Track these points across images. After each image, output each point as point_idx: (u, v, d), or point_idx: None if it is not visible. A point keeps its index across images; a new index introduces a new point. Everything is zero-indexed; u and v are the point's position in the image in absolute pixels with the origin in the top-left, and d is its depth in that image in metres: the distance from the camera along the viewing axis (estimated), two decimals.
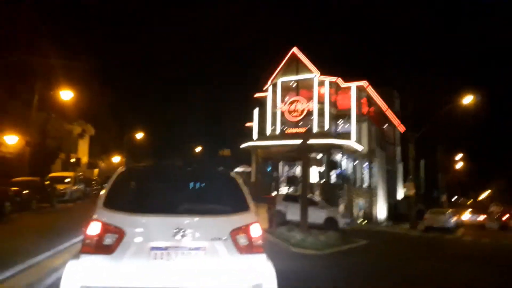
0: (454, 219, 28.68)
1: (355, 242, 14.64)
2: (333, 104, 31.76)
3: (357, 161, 32.78)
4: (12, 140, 24.80)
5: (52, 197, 20.06)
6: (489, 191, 67.75)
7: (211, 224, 3.81)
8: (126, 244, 3.54)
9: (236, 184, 4.29)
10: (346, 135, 30.81)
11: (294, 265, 9.15)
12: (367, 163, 33.96)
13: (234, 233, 3.75)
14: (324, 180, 29.33)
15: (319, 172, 30.06)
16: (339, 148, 29.90)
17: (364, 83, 31.79)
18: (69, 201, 22.52)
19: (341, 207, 26.78)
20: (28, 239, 10.08)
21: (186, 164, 4.64)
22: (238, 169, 37.65)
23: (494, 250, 17.98)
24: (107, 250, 3.52)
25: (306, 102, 31.15)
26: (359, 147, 31.27)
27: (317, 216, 18.65)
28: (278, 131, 32.20)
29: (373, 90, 33.39)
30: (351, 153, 31.56)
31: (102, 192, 4.06)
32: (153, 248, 3.56)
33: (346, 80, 31.65)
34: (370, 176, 34.31)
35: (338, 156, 30.42)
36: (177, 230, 3.60)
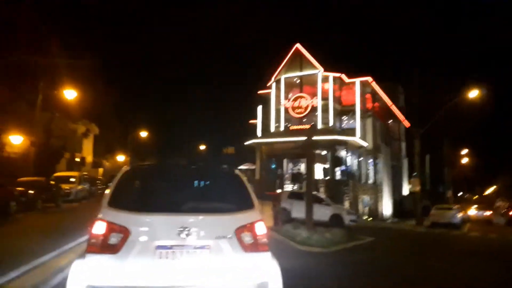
0: (460, 215, 28.54)
1: (360, 239, 14.58)
2: (337, 100, 31.66)
3: (362, 157, 32.67)
4: (17, 140, 24.91)
5: (57, 197, 20.12)
6: (495, 186, 67.41)
7: (216, 222, 3.80)
8: (131, 243, 3.54)
9: (241, 182, 4.28)
10: (350, 131, 30.70)
11: (300, 263, 9.11)
12: (372, 159, 33.84)
13: (239, 231, 3.74)
14: (328, 177, 29.25)
15: (324, 169, 29.97)
16: (344, 144, 29.81)
17: (368, 78, 31.66)
18: (74, 200, 22.60)
19: (346, 204, 26.75)
20: (33, 239, 10.09)
21: (190, 162, 4.63)
22: (242, 167, 37.67)
23: (501, 246, 17.86)
24: (113, 249, 3.52)
25: (310, 98, 31.04)
26: (364, 143, 31.16)
27: (322, 213, 18.65)
28: (282, 128, 32.12)
29: (377, 86, 33.27)
30: (356, 149, 31.47)
31: (107, 191, 4.06)
32: (158, 247, 3.56)
33: (349, 76, 31.54)
34: (375, 172, 34.21)
35: (342, 153, 30.32)
36: (182, 228, 3.59)
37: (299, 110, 31.39)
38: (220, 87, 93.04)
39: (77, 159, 35.80)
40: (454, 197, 51.73)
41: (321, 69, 31.06)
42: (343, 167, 30.39)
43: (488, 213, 35.10)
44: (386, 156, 35.96)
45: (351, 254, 11.56)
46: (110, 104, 39.01)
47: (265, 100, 34.57)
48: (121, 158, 45.14)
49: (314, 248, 11.53)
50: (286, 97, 32.36)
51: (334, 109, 30.93)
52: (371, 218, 29.92)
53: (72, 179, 24.01)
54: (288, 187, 29.89)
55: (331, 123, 30.62)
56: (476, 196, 71.78)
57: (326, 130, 29.55)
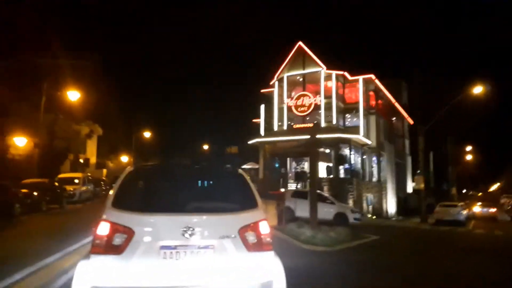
0: (464, 212, 28.43)
1: (365, 237, 14.55)
2: (340, 97, 31.60)
3: (366, 155, 32.61)
4: (21, 142, 24.99)
5: (61, 198, 20.21)
6: (499, 183, 67.22)
7: (220, 222, 3.79)
8: (135, 243, 3.54)
9: (244, 181, 4.28)
10: (354, 129, 30.65)
11: (304, 262, 9.09)
12: (375, 157, 33.77)
13: (243, 230, 3.74)
14: (332, 175, 29.20)
15: (328, 167, 29.93)
16: (347, 142, 29.76)
17: (371, 75, 31.59)
18: (78, 201, 22.66)
19: (351, 202, 26.70)
20: (37, 240, 10.12)
21: (193, 162, 4.61)
22: (245, 166, 37.68)
23: (506, 243, 17.78)
24: (117, 250, 3.52)
25: (313, 97, 30.99)
26: (368, 141, 31.09)
27: (326, 212, 18.59)
28: (285, 127, 32.10)
29: (380, 83, 33.19)
30: (359, 147, 31.41)
31: (111, 192, 4.06)
32: (162, 247, 3.56)
33: (352, 74, 31.48)
34: (379, 170, 34.13)
35: (346, 151, 30.27)
36: (185, 228, 3.59)
37: (302, 109, 31.34)
38: (220, 87, 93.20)
39: (81, 160, 35.88)
40: (458, 194, 51.59)
41: (324, 67, 30.99)
42: (346, 165, 30.33)
43: (492, 210, 34.94)
44: (390, 154, 35.86)
45: (356, 252, 11.53)
46: (113, 104, 39.04)
47: (268, 99, 34.53)
48: (124, 158, 45.23)
49: (318, 247, 11.50)
50: (289, 96, 32.32)
51: (337, 107, 30.87)
52: (375, 216, 29.85)
53: (76, 180, 24.07)
54: (292, 186, 29.86)
55: (334, 121, 30.58)
56: (481, 193, 71.57)
57: (330, 128, 29.51)
